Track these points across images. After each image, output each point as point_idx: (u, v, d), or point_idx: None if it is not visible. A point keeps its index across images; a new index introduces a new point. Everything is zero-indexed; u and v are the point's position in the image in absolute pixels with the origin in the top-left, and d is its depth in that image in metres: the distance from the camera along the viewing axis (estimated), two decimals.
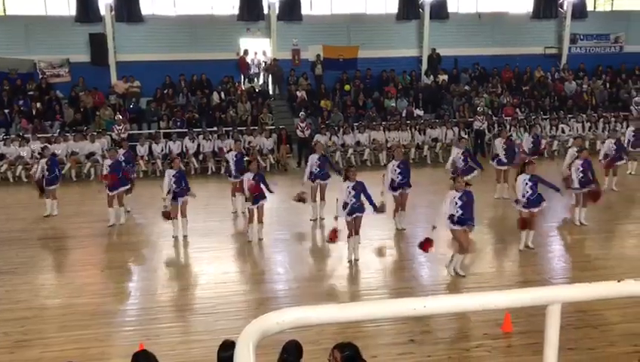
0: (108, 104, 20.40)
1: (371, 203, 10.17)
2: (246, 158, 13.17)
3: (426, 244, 9.56)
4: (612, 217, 12.84)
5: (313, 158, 12.75)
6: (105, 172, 12.76)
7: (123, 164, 13.25)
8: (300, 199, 12.07)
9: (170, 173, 11.58)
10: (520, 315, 7.33)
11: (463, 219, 9.17)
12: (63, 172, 15.73)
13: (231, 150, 14.28)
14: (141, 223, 12.99)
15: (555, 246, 11.15)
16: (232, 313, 8.15)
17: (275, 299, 8.80)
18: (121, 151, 14.32)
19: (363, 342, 6.98)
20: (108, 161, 12.84)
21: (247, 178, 11.06)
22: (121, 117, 19.19)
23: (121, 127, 18.63)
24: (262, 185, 11.14)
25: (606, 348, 7.07)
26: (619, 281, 1.86)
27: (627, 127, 19.93)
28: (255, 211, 11.20)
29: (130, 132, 19.15)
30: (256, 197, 11.08)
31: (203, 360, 6.66)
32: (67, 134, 18.31)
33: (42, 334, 7.66)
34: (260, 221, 11.28)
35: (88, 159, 17.55)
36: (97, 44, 21.53)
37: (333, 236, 10.26)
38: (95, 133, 18.20)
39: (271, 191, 11.43)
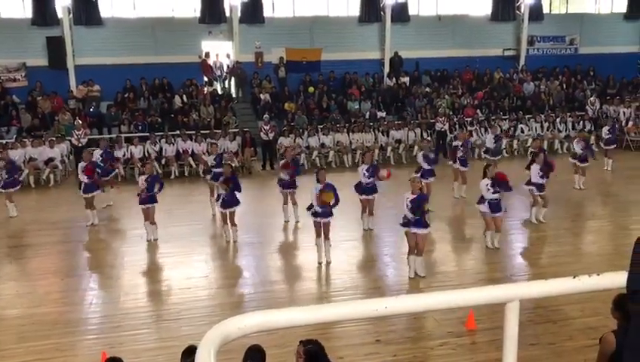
0: (67, 109, 19.96)
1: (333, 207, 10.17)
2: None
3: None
4: (572, 214, 13.18)
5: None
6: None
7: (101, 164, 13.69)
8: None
9: (142, 179, 11.61)
10: (484, 312, 7.46)
11: (414, 221, 9.20)
12: (21, 178, 15.39)
13: (209, 153, 14.36)
14: (103, 230, 12.74)
15: (517, 244, 11.38)
16: (196, 318, 8.07)
17: (241, 304, 8.76)
18: (98, 151, 14.65)
19: (330, 344, 7.00)
20: (82, 164, 12.93)
21: (221, 180, 11.22)
22: (80, 122, 18.79)
23: (80, 132, 18.23)
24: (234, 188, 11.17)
25: (565, 342, 7.25)
26: (574, 277, 1.91)
27: (584, 126, 20.58)
28: (227, 215, 11.24)
29: (91, 137, 18.75)
30: (229, 200, 11.10)
31: None
32: (25, 140, 17.85)
33: (1, 346, 7.44)
34: (233, 224, 11.30)
35: (47, 165, 17.14)
36: (55, 47, 21.04)
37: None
38: (54, 139, 17.79)
39: (239, 190, 11.39)
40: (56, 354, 7.19)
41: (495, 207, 10.51)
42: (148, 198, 11.47)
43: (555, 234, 11.74)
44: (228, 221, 11.32)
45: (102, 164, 13.99)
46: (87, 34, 21.27)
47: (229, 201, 11.16)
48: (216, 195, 12.11)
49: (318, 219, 10.04)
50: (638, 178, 16.39)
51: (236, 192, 11.23)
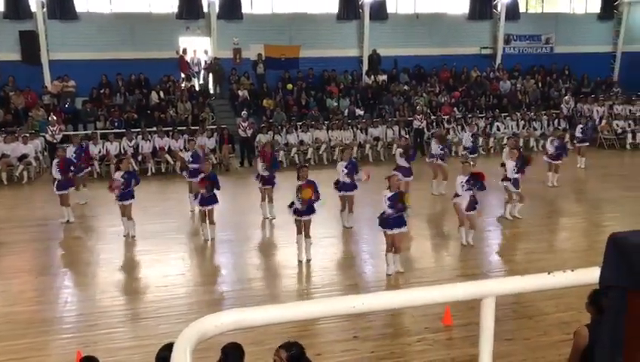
0: (41, 104, 19.64)
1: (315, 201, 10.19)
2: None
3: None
4: (546, 212, 13.37)
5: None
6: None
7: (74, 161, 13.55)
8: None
9: (118, 175, 11.46)
10: (460, 308, 7.52)
11: (393, 219, 9.24)
12: None
13: (186, 149, 14.29)
14: (78, 227, 12.58)
15: (493, 241, 11.51)
16: (173, 316, 8.01)
17: (219, 302, 8.71)
18: (71, 148, 14.60)
19: (307, 341, 7.00)
20: (56, 160, 12.80)
21: (197, 180, 11.16)
22: (55, 117, 18.50)
23: (55, 128, 17.96)
24: (213, 186, 11.09)
25: (540, 338, 7.36)
26: (549, 273, 1.94)
27: (559, 125, 20.89)
28: (206, 212, 11.16)
29: (65, 133, 18.49)
30: (208, 198, 11.03)
31: None
32: None
33: None
34: (212, 222, 11.23)
35: (20, 161, 16.84)
36: (28, 42, 20.67)
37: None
38: (28, 135, 17.49)
39: (218, 188, 11.31)
40: (31, 354, 7.08)
41: (470, 204, 10.60)
42: (126, 194, 11.35)
43: (529, 231, 11.90)
44: (207, 219, 11.25)
45: (75, 161, 13.80)
46: (62, 28, 20.94)
47: (209, 199, 11.09)
48: (194, 193, 12.03)
49: (299, 217, 10.04)
50: (611, 176, 16.70)
51: (215, 190, 11.17)
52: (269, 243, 11.62)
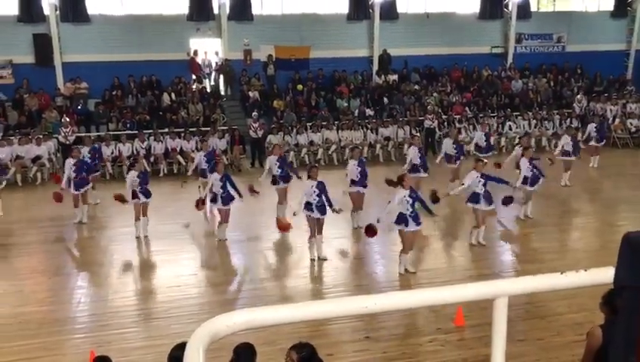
0: (54, 106, 19.80)
1: (329, 203, 10.24)
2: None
3: (369, 232, 9.77)
4: (559, 211, 13.27)
5: (272, 160, 12.75)
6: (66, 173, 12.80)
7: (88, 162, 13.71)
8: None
9: (132, 175, 11.59)
10: (472, 309, 7.50)
11: (412, 217, 9.26)
12: (7, 176, 15.28)
13: (200, 150, 14.38)
14: (91, 228, 12.66)
15: (505, 241, 11.45)
16: (185, 316, 8.05)
17: (230, 302, 8.74)
18: (85, 149, 14.73)
19: (319, 341, 7.00)
20: (70, 161, 12.85)
21: (214, 178, 11.17)
22: (68, 119, 18.65)
23: (68, 130, 18.11)
24: (230, 187, 11.18)
25: (553, 338, 7.31)
26: (562, 273, 1.93)
27: (571, 124, 20.73)
28: (224, 212, 11.24)
29: (78, 134, 18.63)
30: (227, 198, 11.13)
31: None
32: (11, 138, 17.68)
33: None
34: (226, 221, 11.30)
35: (34, 163, 16.99)
36: (42, 44, 20.84)
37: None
38: (41, 136, 17.64)
39: (240, 195, 11.44)
40: (43, 354, 7.14)
41: (486, 200, 10.55)
42: (145, 193, 11.51)
43: (542, 231, 11.82)
44: (222, 219, 11.29)
45: (89, 162, 13.95)
46: (74, 31, 21.10)
47: (226, 199, 11.14)
48: (210, 194, 12.01)
49: (313, 215, 10.08)
50: (624, 175, 16.55)
51: (231, 190, 11.22)
52: (280, 244, 11.62)
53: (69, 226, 12.59)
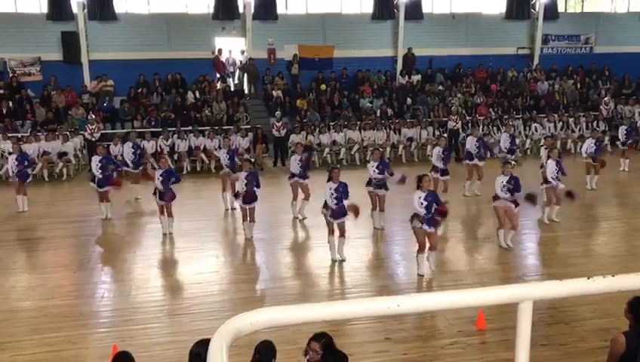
0: (80, 103, 20.12)
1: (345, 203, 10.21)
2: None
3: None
4: (585, 215, 13.07)
5: (295, 159, 12.80)
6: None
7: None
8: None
9: (157, 173, 11.65)
10: (493, 312, 7.42)
11: (427, 219, 9.21)
12: (34, 172, 15.54)
13: (221, 147, 14.60)
14: (116, 223, 12.83)
15: (529, 244, 11.30)
16: (206, 313, 8.10)
17: (252, 299, 8.77)
18: (118, 147, 15.62)
19: (339, 341, 6.98)
20: (96, 158, 13.04)
21: (241, 176, 11.25)
22: (94, 116, 18.93)
23: (94, 127, 18.37)
24: (255, 185, 11.22)
25: (577, 344, 7.19)
26: (588, 278, 1.90)
27: (597, 126, 20.43)
28: (247, 210, 11.27)
29: (104, 131, 18.90)
30: (250, 196, 11.17)
31: (178, 361, 6.60)
32: (38, 134, 18.00)
33: (13, 337, 7.51)
34: (252, 220, 11.35)
35: (60, 159, 17.27)
36: (70, 42, 21.21)
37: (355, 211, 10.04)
38: (67, 133, 17.92)
39: (258, 187, 11.41)
40: (67, 347, 7.24)
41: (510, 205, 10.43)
42: (163, 195, 11.52)
43: (567, 235, 11.65)
44: (248, 217, 11.34)
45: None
46: (102, 29, 21.41)
47: (250, 197, 11.19)
48: (235, 191, 12.14)
49: (332, 220, 10.06)
50: None
51: (255, 188, 11.26)
52: (302, 243, 11.65)
53: (94, 222, 12.76)
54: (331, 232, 10.10)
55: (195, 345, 4.42)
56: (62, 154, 17.29)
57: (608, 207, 13.86)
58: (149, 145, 17.80)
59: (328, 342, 4.56)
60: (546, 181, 12.15)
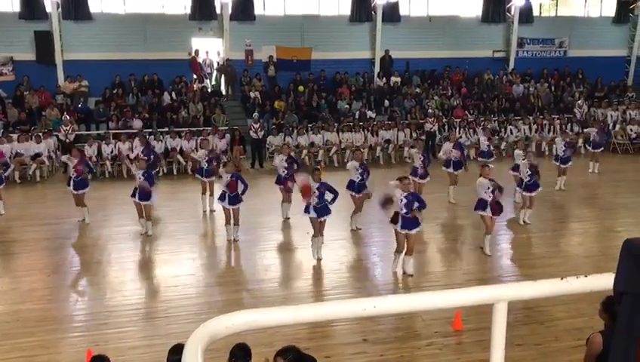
0: (54, 104, 19.80)
1: (333, 200, 10.33)
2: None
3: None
4: (558, 216, 13.26)
5: (281, 159, 12.79)
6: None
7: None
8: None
9: (138, 173, 11.56)
10: (470, 313, 7.48)
11: (405, 220, 9.26)
12: (6, 174, 15.24)
13: (200, 149, 14.28)
14: (90, 226, 12.64)
15: (504, 245, 11.43)
16: (183, 317, 8.03)
17: (229, 302, 8.71)
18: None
19: (317, 343, 7.01)
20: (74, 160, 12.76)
21: (226, 177, 11.16)
22: (68, 117, 18.65)
23: (68, 128, 18.10)
24: (239, 186, 11.16)
25: (551, 343, 7.30)
26: (562, 279, 1.92)
27: (571, 129, 20.75)
28: (231, 212, 11.20)
29: (78, 132, 18.63)
30: (234, 198, 11.12)
31: None
32: (11, 135, 17.67)
33: None
34: (237, 223, 11.29)
35: (33, 160, 16.98)
36: (43, 42, 20.84)
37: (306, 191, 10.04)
38: (41, 134, 17.62)
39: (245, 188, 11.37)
40: (40, 352, 7.12)
41: (497, 208, 10.43)
42: (145, 195, 11.45)
43: (541, 236, 11.81)
44: (232, 219, 11.27)
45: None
46: (76, 29, 21.11)
47: (235, 199, 11.13)
48: (219, 193, 12.02)
49: (316, 217, 10.09)
50: (624, 181, 16.54)
51: (240, 190, 11.20)
52: (280, 245, 11.61)
53: (68, 224, 12.57)
54: (315, 231, 10.15)
55: (171, 353, 4.39)
56: (35, 156, 17.00)
57: (581, 209, 14.08)
58: (125, 147, 17.56)
59: (294, 358, 4.49)
60: (520, 184, 12.28)
